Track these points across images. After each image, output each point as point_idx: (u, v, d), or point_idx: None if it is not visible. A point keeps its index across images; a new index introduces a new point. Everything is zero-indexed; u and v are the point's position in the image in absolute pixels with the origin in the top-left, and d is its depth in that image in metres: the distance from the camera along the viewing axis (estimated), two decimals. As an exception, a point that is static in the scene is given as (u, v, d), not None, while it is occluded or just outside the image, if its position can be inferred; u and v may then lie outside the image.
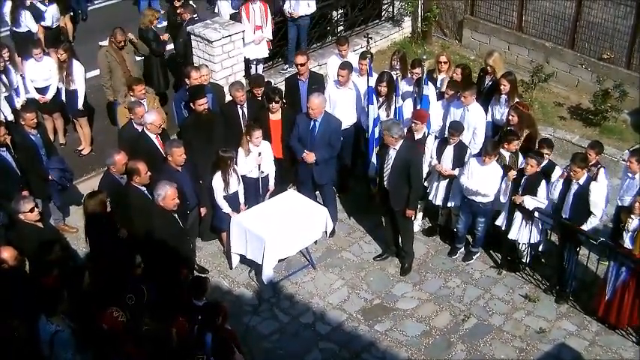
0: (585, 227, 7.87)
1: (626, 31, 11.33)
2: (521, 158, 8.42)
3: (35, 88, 10.16)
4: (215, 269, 8.94)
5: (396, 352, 7.83)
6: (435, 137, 8.89)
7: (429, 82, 9.38)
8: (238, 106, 9.12)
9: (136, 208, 7.64)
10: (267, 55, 11.49)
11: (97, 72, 10.94)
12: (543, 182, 8.07)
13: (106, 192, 7.66)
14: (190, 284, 7.24)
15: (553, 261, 8.55)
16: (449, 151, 8.60)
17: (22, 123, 8.73)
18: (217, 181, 8.43)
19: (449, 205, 8.88)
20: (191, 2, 12.21)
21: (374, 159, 9.02)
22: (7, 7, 11.83)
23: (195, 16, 11.14)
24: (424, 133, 8.79)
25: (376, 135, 8.95)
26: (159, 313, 7.08)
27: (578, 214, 7.87)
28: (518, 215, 8.24)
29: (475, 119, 8.88)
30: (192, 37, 10.45)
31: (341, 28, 13.30)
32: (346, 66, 9.36)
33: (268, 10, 11.11)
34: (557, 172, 8.18)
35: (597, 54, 11.77)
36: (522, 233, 8.30)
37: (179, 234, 7.62)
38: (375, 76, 9.29)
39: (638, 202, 7.44)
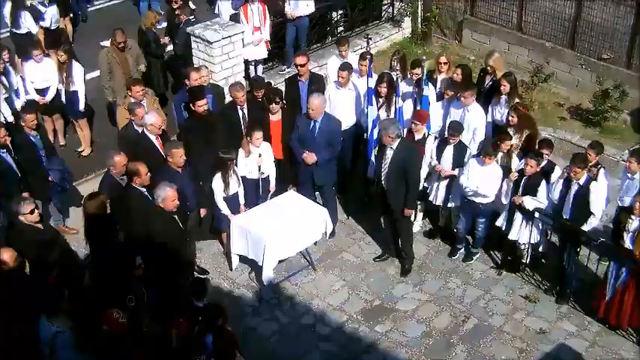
0: (585, 228, 7.87)
1: (626, 31, 11.32)
2: (515, 158, 8.42)
3: (35, 90, 10.16)
4: (215, 270, 8.94)
5: (396, 353, 7.83)
6: (435, 138, 8.89)
7: (429, 83, 9.38)
8: (238, 107, 9.12)
9: (136, 209, 7.64)
10: (266, 56, 11.48)
11: (96, 73, 10.95)
12: (543, 182, 8.07)
13: (106, 193, 7.66)
14: (191, 285, 7.24)
15: (553, 262, 8.55)
16: (449, 152, 8.60)
17: (22, 124, 8.72)
18: (217, 182, 8.43)
19: (449, 205, 8.87)
20: (191, 3, 12.23)
21: (373, 160, 9.02)
22: (7, 9, 11.81)
23: (191, 17, 11.13)
24: (424, 134, 8.79)
25: (375, 136, 8.95)
26: (159, 314, 7.10)
27: (578, 215, 7.86)
28: (518, 215, 8.24)
29: (475, 119, 8.88)
30: (192, 38, 10.45)
31: (341, 28, 13.29)
32: (346, 67, 9.36)
33: (266, 11, 11.11)
34: (556, 173, 8.18)
35: (597, 54, 11.77)
36: (522, 233, 8.29)
37: (179, 235, 7.61)
38: (375, 76, 9.30)
39: (638, 203, 7.43)
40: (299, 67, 9.55)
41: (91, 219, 7.45)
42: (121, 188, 7.87)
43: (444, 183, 8.76)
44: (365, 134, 9.39)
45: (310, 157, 8.72)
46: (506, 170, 8.28)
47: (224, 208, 8.54)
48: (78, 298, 6.83)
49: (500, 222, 8.49)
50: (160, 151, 8.35)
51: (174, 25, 11.42)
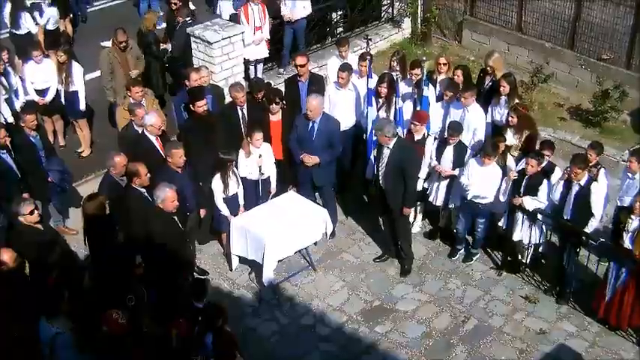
0: (586, 229, 7.87)
1: (626, 31, 11.31)
2: (510, 159, 8.42)
3: (35, 90, 10.16)
4: (215, 271, 8.94)
5: (396, 354, 7.83)
6: (435, 138, 8.89)
7: (428, 84, 9.38)
8: (238, 107, 9.12)
9: (136, 210, 7.63)
10: (267, 55, 11.47)
11: (96, 74, 10.95)
12: (545, 182, 8.06)
13: (105, 194, 7.65)
14: (190, 286, 7.24)
15: (553, 262, 8.55)
16: (449, 152, 8.60)
17: (22, 125, 8.73)
18: (217, 182, 8.43)
19: (449, 205, 8.87)
20: (190, 4, 12.22)
21: (372, 160, 9.02)
22: (7, 10, 11.81)
23: (188, 19, 11.11)
24: (424, 134, 8.79)
25: (375, 137, 8.94)
26: (159, 315, 7.10)
27: (579, 215, 7.87)
28: (520, 216, 8.24)
29: (475, 120, 8.88)
30: (192, 38, 10.45)
31: (341, 29, 13.29)
32: (346, 68, 9.36)
33: (266, 10, 11.11)
34: (557, 173, 8.18)
35: (597, 54, 11.76)
36: (526, 234, 8.29)
37: (178, 236, 7.61)
38: (375, 77, 9.30)
39: (638, 203, 7.43)
40: (299, 68, 9.55)
41: (90, 220, 7.45)
42: (121, 189, 7.87)
43: (444, 184, 8.76)
44: (364, 135, 9.39)
45: (312, 159, 8.72)
46: (502, 170, 8.29)
47: (224, 209, 8.54)
48: (78, 299, 6.83)
49: (502, 222, 8.49)
50: (160, 151, 8.35)
51: (172, 26, 11.41)
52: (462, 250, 9.05)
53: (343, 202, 9.86)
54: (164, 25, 12.28)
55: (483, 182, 8.24)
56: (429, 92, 9.35)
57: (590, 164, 7.97)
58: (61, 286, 6.69)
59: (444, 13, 13.66)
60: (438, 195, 8.87)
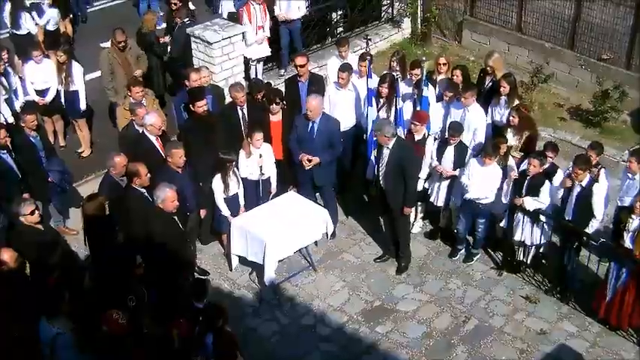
0: (587, 229, 7.88)
1: (626, 31, 11.31)
2: (510, 160, 8.42)
3: (35, 91, 10.15)
4: (215, 271, 8.93)
5: (396, 354, 7.82)
6: (435, 139, 8.89)
7: (428, 84, 9.38)
8: (238, 107, 9.12)
9: (136, 210, 7.63)
10: (269, 54, 11.45)
11: (96, 74, 10.95)
12: (547, 183, 8.06)
13: (105, 195, 7.65)
14: (191, 286, 7.23)
15: (554, 262, 8.56)
16: (449, 152, 8.60)
17: (23, 125, 8.73)
18: (217, 183, 8.42)
19: (450, 206, 8.87)
20: (190, 4, 12.21)
21: (373, 160, 9.01)
22: (7, 10, 11.81)
23: (186, 20, 11.10)
24: (424, 135, 8.79)
25: (375, 137, 8.94)
26: (159, 315, 7.09)
27: (580, 216, 7.88)
28: (520, 216, 8.23)
29: (475, 120, 8.88)
30: (192, 38, 10.45)
31: (341, 29, 13.28)
32: (346, 68, 9.35)
33: (267, 9, 11.11)
34: (559, 175, 8.17)
35: (597, 55, 11.77)
36: (527, 234, 8.28)
37: (179, 236, 7.61)
38: (375, 77, 9.30)
39: (638, 202, 7.43)
40: (299, 68, 9.55)
41: (89, 220, 7.45)
42: (121, 189, 7.86)
43: (444, 184, 8.76)
44: (364, 135, 9.38)
45: (314, 160, 8.70)
46: (503, 171, 8.29)
47: (224, 210, 8.53)
48: (78, 299, 6.82)
49: (503, 223, 8.50)
50: (160, 151, 8.35)
51: (172, 26, 11.41)
52: (463, 250, 9.05)
53: (344, 202, 9.85)
54: (164, 25, 12.28)
55: (484, 182, 8.24)
56: (429, 92, 9.35)
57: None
58: (61, 287, 6.68)
59: (443, 13, 13.66)
60: (439, 195, 8.87)
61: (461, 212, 8.70)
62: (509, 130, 8.75)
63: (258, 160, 8.59)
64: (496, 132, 9.21)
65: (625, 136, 11.14)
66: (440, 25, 13.80)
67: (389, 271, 8.92)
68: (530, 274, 8.70)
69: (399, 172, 8.24)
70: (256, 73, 11.43)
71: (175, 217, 7.51)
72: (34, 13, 11.76)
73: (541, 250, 8.58)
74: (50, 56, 10.45)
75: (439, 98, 9.44)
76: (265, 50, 11.30)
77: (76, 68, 10.27)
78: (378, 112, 9.11)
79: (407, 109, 9.21)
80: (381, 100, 9.18)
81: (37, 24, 11.76)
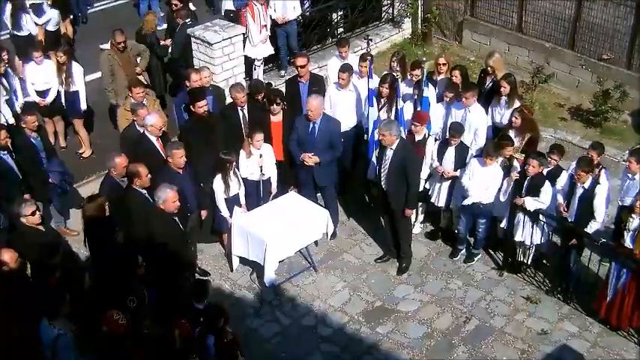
0: (587, 230, 7.87)
1: (626, 31, 11.32)
2: (515, 164, 8.42)
3: (35, 92, 10.16)
4: (216, 272, 8.93)
5: (397, 354, 7.82)
6: (436, 139, 8.88)
7: (429, 84, 9.37)
8: (239, 108, 9.12)
9: (137, 211, 7.63)
10: (272, 52, 11.44)
11: (97, 75, 10.96)
12: (547, 183, 8.06)
13: (105, 196, 7.65)
14: (191, 287, 7.23)
15: (555, 262, 8.55)
16: (450, 153, 8.59)
17: (23, 126, 8.73)
18: (218, 183, 8.42)
19: (451, 206, 8.87)
20: (191, 4, 12.20)
21: (374, 161, 9.01)
22: (8, 11, 11.81)
23: (188, 20, 11.10)
24: (424, 135, 8.79)
25: (376, 137, 8.93)
26: (160, 316, 7.09)
27: (583, 217, 7.88)
28: (521, 216, 8.23)
29: (476, 120, 8.88)
30: (193, 39, 10.45)
31: (341, 29, 13.28)
32: (346, 69, 9.35)
33: (267, 9, 11.12)
34: (563, 177, 8.17)
35: (597, 54, 11.77)
36: (528, 235, 8.28)
37: (180, 237, 7.61)
38: (375, 78, 9.29)
39: (639, 202, 7.43)
40: (299, 69, 9.55)
41: (89, 221, 7.45)
42: (122, 190, 7.86)
43: (445, 184, 8.75)
44: (365, 135, 9.38)
45: (313, 159, 8.70)
46: (509, 170, 8.29)
47: (224, 210, 8.53)
48: (79, 300, 6.82)
49: (503, 223, 8.49)
50: (161, 152, 8.35)
51: (173, 27, 11.41)
52: (464, 250, 9.05)
53: (344, 202, 9.85)
54: (165, 26, 12.27)
55: (485, 183, 8.23)
56: (430, 93, 9.34)
57: (591, 165, 7.98)
58: (62, 288, 6.68)
59: (444, 14, 13.66)
60: (440, 196, 8.86)
61: (462, 212, 8.69)
62: (510, 131, 8.74)
63: (259, 160, 8.60)
64: (496, 132, 9.22)
65: (625, 136, 11.14)
66: (440, 25, 13.80)
67: (390, 272, 8.92)
68: (531, 275, 8.70)
69: (401, 173, 8.23)
70: (258, 74, 11.42)
71: (176, 218, 7.51)
72: (34, 14, 11.76)
73: (542, 250, 8.57)
74: (50, 57, 10.45)
75: (439, 98, 9.43)
76: (269, 49, 11.30)
77: (76, 69, 10.28)
78: (378, 112, 9.11)
79: (407, 110, 9.20)
80: (382, 101, 9.17)
81: (37, 24, 11.76)
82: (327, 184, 9.06)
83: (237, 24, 10.85)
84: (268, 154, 8.76)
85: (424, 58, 9.33)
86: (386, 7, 13.90)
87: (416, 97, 9.17)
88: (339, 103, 9.44)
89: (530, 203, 8.07)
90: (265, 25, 11.02)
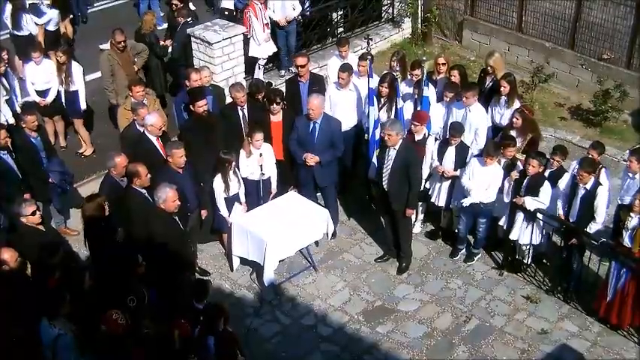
0: (587, 230, 7.88)
1: (626, 31, 11.33)
2: (518, 165, 8.43)
3: (35, 91, 10.16)
4: (216, 272, 8.94)
5: (397, 354, 7.82)
6: (436, 139, 8.88)
7: (429, 84, 9.37)
8: (238, 107, 9.12)
9: (137, 210, 7.63)
10: (275, 50, 11.44)
11: (97, 74, 10.95)
12: (546, 183, 8.06)
13: (105, 195, 7.64)
14: (191, 287, 7.23)
15: (555, 262, 8.55)
16: (450, 153, 8.59)
17: (23, 125, 8.73)
18: (218, 183, 8.42)
19: (451, 206, 8.87)
20: (191, 4, 12.21)
21: (374, 161, 9.01)
22: (8, 11, 11.81)
23: (189, 20, 11.10)
24: (424, 135, 8.79)
25: (377, 137, 8.94)
26: (159, 316, 7.09)
27: (584, 218, 7.88)
28: (519, 216, 8.23)
29: (477, 120, 8.88)
30: (193, 39, 10.45)
31: (341, 29, 13.29)
32: (346, 68, 9.35)
33: (267, 9, 11.12)
34: (565, 178, 8.17)
35: (597, 54, 11.77)
36: (524, 234, 8.29)
37: (180, 236, 7.61)
38: (376, 77, 9.29)
39: (638, 200, 7.44)
40: (299, 68, 9.55)
41: (89, 221, 7.45)
42: (122, 189, 7.86)
43: (446, 184, 8.75)
44: (366, 135, 9.38)
45: (313, 159, 8.70)
46: (509, 169, 8.29)
47: (224, 210, 8.53)
48: (79, 300, 6.82)
49: (503, 222, 8.49)
50: (160, 152, 8.34)
51: (174, 26, 11.41)
52: (464, 250, 9.05)
53: (344, 202, 9.86)
54: (165, 25, 12.27)
55: (485, 183, 8.23)
56: (430, 92, 9.34)
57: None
58: (62, 288, 6.68)
59: (444, 13, 13.67)
60: (440, 196, 8.86)
61: (462, 212, 8.69)
62: (511, 131, 8.73)
63: (259, 159, 8.59)
64: (496, 132, 9.22)
65: (625, 135, 11.15)
66: (440, 25, 13.81)
67: (390, 271, 8.92)
68: (530, 274, 8.70)
69: (404, 173, 8.23)
70: (258, 73, 11.42)
71: (176, 218, 7.51)
72: (35, 14, 11.76)
73: (540, 250, 8.57)
74: (50, 56, 10.45)
75: (439, 98, 9.43)
76: (272, 48, 11.29)
77: (76, 68, 10.28)
78: (378, 112, 9.11)
79: (407, 109, 9.21)
80: (382, 100, 9.17)
81: (37, 24, 11.76)
82: (327, 184, 9.06)
83: (234, 22, 10.84)
84: (268, 153, 8.76)
85: (424, 58, 9.33)
86: (386, 7, 13.90)
87: (416, 96, 9.17)
88: (339, 102, 9.44)
89: (530, 203, 8.07)
90: (267, 24, 11.03)
